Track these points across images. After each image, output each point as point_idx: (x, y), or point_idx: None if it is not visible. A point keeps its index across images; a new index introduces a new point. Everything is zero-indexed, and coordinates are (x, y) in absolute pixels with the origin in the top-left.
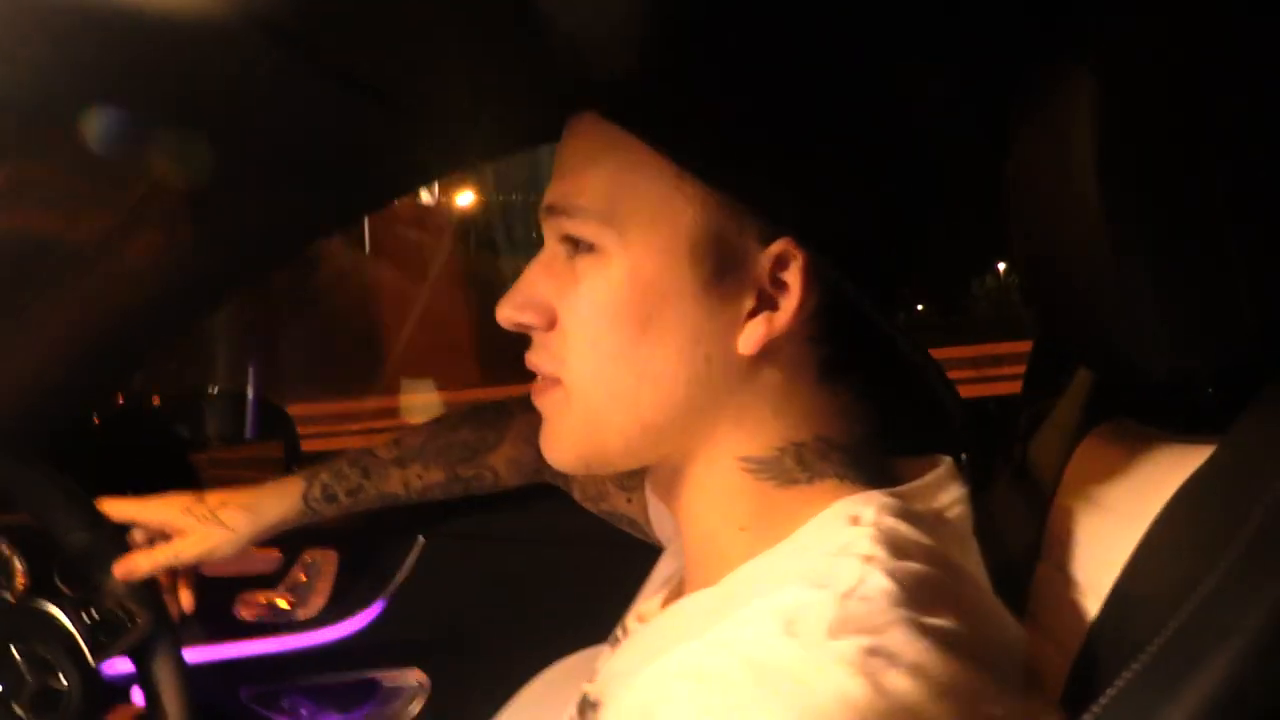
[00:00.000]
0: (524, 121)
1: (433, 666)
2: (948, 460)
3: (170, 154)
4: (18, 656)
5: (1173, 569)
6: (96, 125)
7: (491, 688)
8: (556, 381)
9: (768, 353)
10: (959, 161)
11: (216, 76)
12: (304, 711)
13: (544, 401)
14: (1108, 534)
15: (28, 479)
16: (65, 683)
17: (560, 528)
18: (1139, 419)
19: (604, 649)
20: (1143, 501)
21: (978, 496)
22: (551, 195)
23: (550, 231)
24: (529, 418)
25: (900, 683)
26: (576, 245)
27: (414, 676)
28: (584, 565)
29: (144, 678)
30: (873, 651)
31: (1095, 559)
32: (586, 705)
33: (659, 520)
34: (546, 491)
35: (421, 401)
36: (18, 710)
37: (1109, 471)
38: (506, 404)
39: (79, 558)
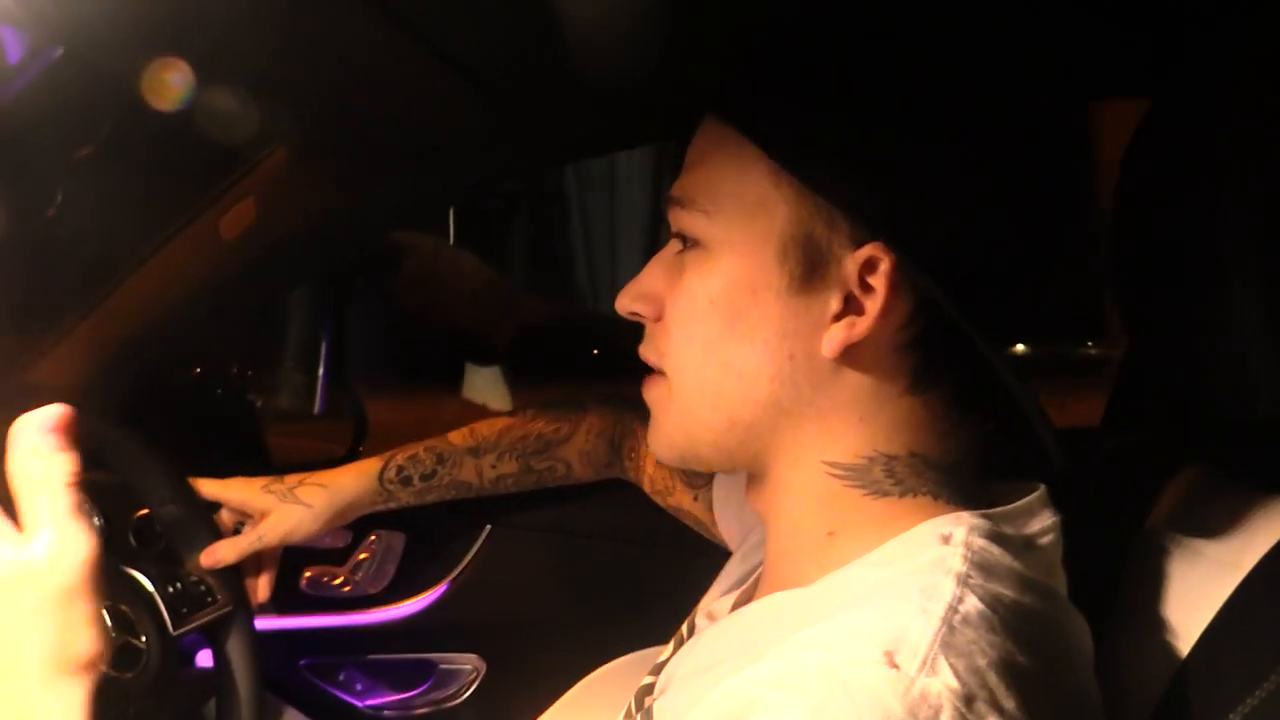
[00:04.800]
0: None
1: (490, 654)
2: (1042, 487)
3: (271, 129)
4: (104, 613)
5: (1274, 624)
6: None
7: (546, 679)
8: (661, 374)
9: (853, 357)
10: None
11: (318, 49)
12: (359, 686)
13: (649, 394)
14: (1199, 579)
15: (129, 445)
16: (144, 642)
17: (629, 526)
18: (1229, 465)
19: (659, 650)
20: (1238, 552)
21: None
22: (674, 188)
23: (672, 225)
24: (603, 412)
25: None
26: (686, 241)
27: (470, 661)
28: (648, 566)
29: (217, 651)
30: (969, 699)
31: (1185, 603)
32: (646, 703)
33: (725, 523)
34: (618, 488)
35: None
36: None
37: (1202, 516)
38: (581, 398)
39: (169, 528)
